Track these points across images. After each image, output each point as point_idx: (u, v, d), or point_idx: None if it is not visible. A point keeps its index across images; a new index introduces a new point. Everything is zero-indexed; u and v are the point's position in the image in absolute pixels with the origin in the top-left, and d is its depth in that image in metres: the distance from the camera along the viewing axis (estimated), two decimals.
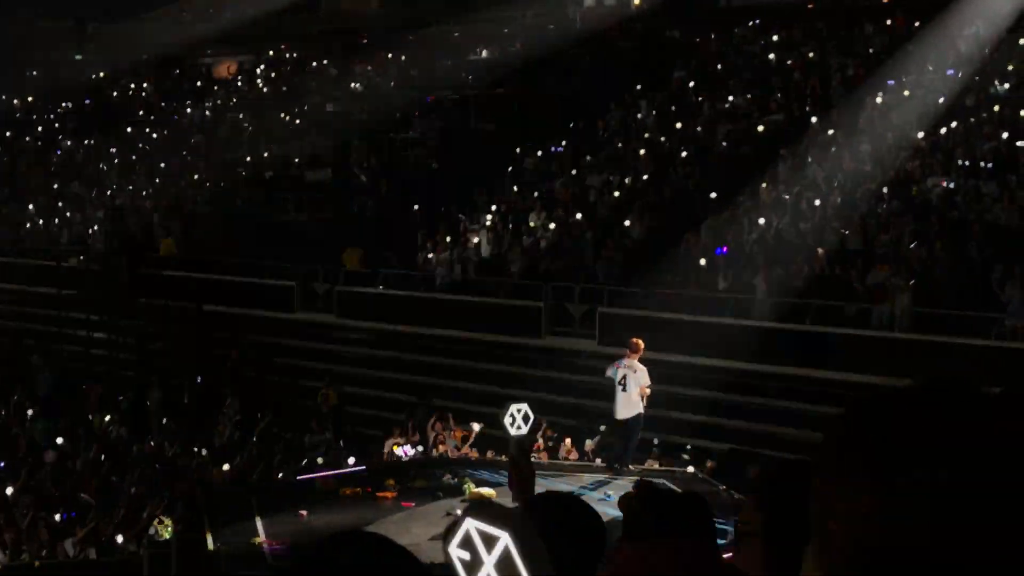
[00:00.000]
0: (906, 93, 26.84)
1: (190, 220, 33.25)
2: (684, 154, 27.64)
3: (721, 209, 24.07)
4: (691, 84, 32.07)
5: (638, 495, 3.28)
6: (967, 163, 22.97)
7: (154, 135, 44.00)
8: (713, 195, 24.94)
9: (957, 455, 1.18)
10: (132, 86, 52.67)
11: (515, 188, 29.09)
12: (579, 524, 3.14)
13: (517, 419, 14.85)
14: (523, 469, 14.33)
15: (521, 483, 14.02)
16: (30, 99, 52.80)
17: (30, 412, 24.06)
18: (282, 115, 41.55)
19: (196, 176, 37.38)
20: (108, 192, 38.35)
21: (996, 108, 24.59)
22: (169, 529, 15.73)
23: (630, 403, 16.47)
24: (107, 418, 22.98)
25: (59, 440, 21.33)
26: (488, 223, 27.08)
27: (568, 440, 19.27)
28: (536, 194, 28.18)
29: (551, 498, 3.49)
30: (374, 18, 47.59)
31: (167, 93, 49.94)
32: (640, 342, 16.50)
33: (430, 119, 35.74)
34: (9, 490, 18.05)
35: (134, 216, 34.88)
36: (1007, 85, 25.94)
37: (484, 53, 39.69)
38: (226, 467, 18.84)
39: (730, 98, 29.96)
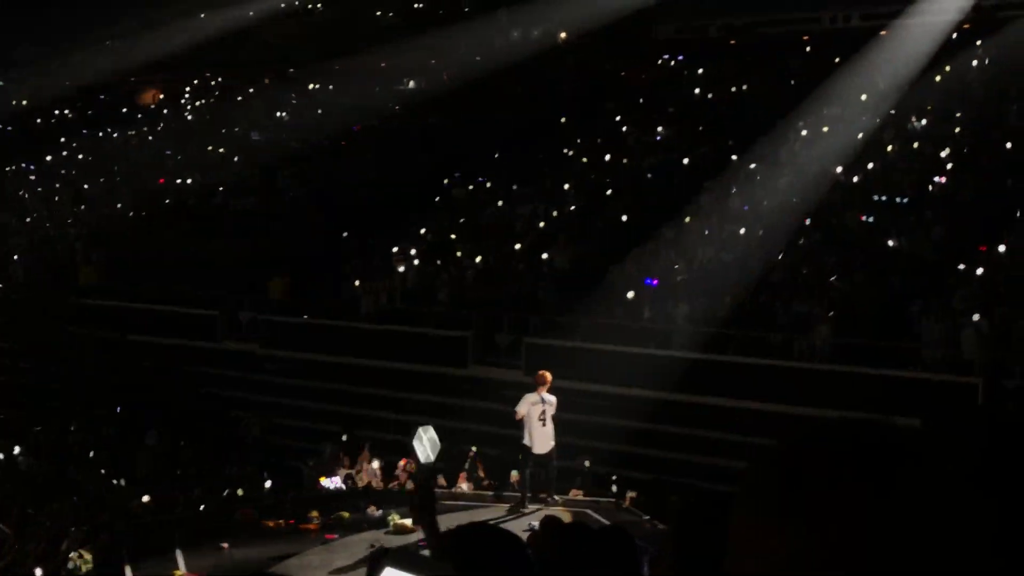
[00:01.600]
0: (825, 128, 27.30)
1: (113, 248, 32.81)
2: (611, 186, 27.83)
3: (648, 240, 24.25)
4: (618, 117, 32.36)
5: (544, 531, 3.28)
6: (885, 197, 23.40)
7: (77, 162, 43.45)
8: (638, 226, 25.13)
9: (870, 494, 1.20)
10: (56, 113, 52.01)
11: (443, 218, 29.09)
12: (505, 556, 3.14)
13: (424, 441, 14.64)
14: (424, 495, 14.18)
15: (422, 509, 13.89)
16: None
17: None
18: (207, 144, 41.24)
19: (119, 204, 36.94)
20: (29, 220, 37.74)
21: (915, 144, 25.08)
22: (88, 562, 15.45)
23: (548, 436, 16.46)
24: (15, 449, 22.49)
25: None
26: (415, 253, 27.04)
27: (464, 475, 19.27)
28: (462, 224, 28.21)
29: (476, 529, 3.48)
30: (301, 47, 47.44)
31: (91, 120, 49.37)
32: (548, 374, 16.46)
33: (357, 148, 35.65)
34: None
35: (56, 244, 34.36)
36: (924, 121, 26.50)
37: (411, 83, 39.72)
38: (146, 498, 18.55)
39: (659, 129, 30.28)
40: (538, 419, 16.31)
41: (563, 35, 37.58)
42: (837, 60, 30.73)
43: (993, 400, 16.37)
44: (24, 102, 55.13)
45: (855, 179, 24.39)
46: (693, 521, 2.87)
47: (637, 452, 20.42)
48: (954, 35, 30.42)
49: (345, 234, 29.23)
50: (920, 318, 18.66)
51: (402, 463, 19.91)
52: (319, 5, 49.53)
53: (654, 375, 20.71)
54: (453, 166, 31.73)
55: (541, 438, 16.36)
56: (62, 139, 46.74)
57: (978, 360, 17.65)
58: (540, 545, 3.25)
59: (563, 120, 33.39)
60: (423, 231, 28.50)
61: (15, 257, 33.74)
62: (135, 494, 19.15)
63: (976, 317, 17.90)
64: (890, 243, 21.50)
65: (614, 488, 18.85)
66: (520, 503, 16.72)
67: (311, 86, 45.07)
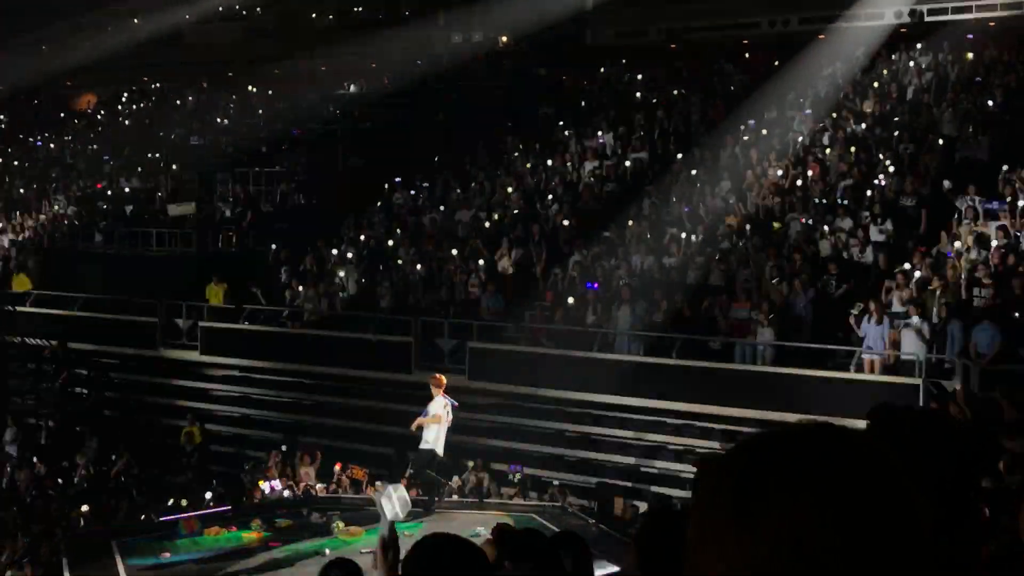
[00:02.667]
0: (764, 132, 27.56)
1: (48, 255, 32.34)
2: (552, 190, 27.89)
3: (589, 245, 24.35)
4: (560, 122, 32.44)
5: (498, 539, 3.28)
6: (824, 201, 23.65)
7: (10, 168, 42.81)
8: (579, 231, 25.23)
9: (815, 495, 1.22)
10: None
11: (383, 223, 29.00)
12: (469, 567, 3.14)
13: (393, 499, 14.42)
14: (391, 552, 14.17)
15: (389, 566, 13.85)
16: None
17: None
18: (145, 149, 40.82)
19: (54, 210, 36.46)
20: None
21: (852, 149, 25.38)
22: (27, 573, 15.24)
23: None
24: None
25: None
26: (354, 257, 26.94)
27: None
28: (402, 229, 28.15)
29: (438, 544, 3.45)
30: (239, 51, 47.10)
31: (25, 126, 48.69)
32: (442, 376, 16.65)
33: (296, 153, 35.47)
34: None
35: None
36: (863, 125, 26.83)
37: (352, 87, 39.58)
38: (85, 508, 18.30)
39: (599, 133, 30.39)
40: (446, 421, 16.36)
41: (504, 39, 37.62)
42: (776, 63, 31.03)
43: (936, 400, 16.60)
44: None
45: (798, 182, 24.63)
46: (657, 529, 2.88)
47: (580, 456, 20.49)
48: (890, 40, 30.85)
49: (274, 246, 28.94)
50: (859, 320, 18.88)
51: (337, 467, 19.84)
52: (257, 9, 49.19)
53: (597, 379, 20.81)
54: (393, 170, 31.64)
55: (444, 440, 16.39)
56: None
57: (918, 361, 17.91)
58: (497, 553, 3.25)
59: (502, 124, 33.41)
60: (363, 236, 28.38)
61: None
62: (73, 503, 18.89)
63: (915, 319, 18.15)
64: (829, 246, 21.73)
65: (567, 496, 18.92)
66: (429, 507, 16.57)
67: (249, 89, 44.74)
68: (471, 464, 20.10)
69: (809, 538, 1.20)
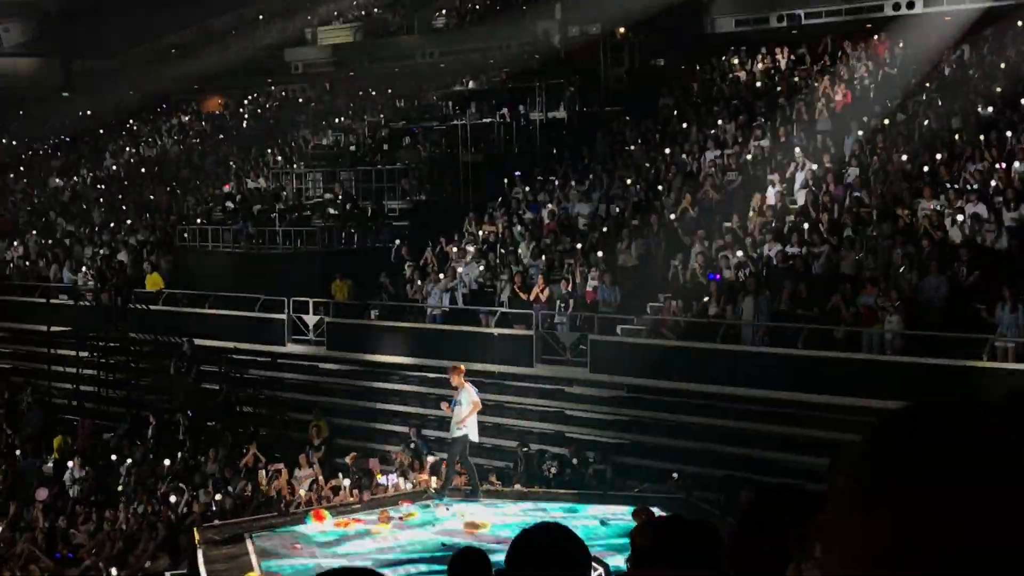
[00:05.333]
0: (886, 122, 26.95)
1: (179, 254, 33.18)
2: (672, 181, 27.64)
3: (711, 235, 24.13)
4: (679, 112, 32.17)
5: (648, 523, 3.26)
6: (954, 186, 23.04)
7: (142, 171, 44.04)
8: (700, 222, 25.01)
9: (942, 483, 1.18)
10: (119, 123, 52.75)
11: (503, 217, 29.11)
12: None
13: None
14: None
15: None
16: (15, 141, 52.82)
17: (18, 452, 23.99)
18: (270, 149, 41.66)
19: (184, 210, 37.39)
20: (96, 228, 38.28)
21: (981, 133, 24.63)
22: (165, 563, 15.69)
23: None
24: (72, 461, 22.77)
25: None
26: (474, 252, 27.10)
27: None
28: (522, 223, 28.20)
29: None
30: (359, 50, 47.73)
31: (154, 129, 50.03)
32: (462, 366, 17.61)
33: (417, 150, 35.80)
34: None
35: (122, 251, 34.80)
36: (991, 109, 26.04)
37: (470, 83, 39.79)
38: (216, 499, 18.73)
39: (719, 122, 30.06)
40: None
41: (622, 30, 37.37)
42: (901, 46, 30.31)
43: None
44: (88, 112, 55.99)
45: (925, 168, 24.01)
46: (761, 509, 2.85)
47: (705, 447, 20.29)
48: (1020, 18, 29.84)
49: (398, 241, 29.26)
50: (992, 308, 18.37)
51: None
52: (376, 9, 49.76)
53: (720, 370, 20.63)
54: (512, 165, 31.73)
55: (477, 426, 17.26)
56: (127, 148, 47.38)
57: None
58: (642, 538, 3.23)
59: (621, 116, 33.25)
60: (483, 231, 28.53)
61: (82, 266, 34.18)
62: (205, 497, 19.34)
63: None
64: (959, 232, 21.15)
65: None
66: (476, 491, 17.39)
67: (370, 89, 45.32)
68: (591, 456, 20.14)
69: (934, 529, 1.16)
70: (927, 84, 28.34)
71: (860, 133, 26.54)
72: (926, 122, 26.23)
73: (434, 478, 18.47)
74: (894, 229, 21.89)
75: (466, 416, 16.95)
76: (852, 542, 1.20)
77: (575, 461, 20.15)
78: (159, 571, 15.83)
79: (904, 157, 24.74)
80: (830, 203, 23.88)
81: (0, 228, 40.61)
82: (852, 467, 1.24)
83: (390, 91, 43.48)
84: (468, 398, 16.99)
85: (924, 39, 29.63)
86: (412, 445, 20.92)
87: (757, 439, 19.92)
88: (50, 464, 23.03)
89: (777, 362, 20.21)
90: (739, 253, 22.77)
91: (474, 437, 17.18)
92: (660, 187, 27.64)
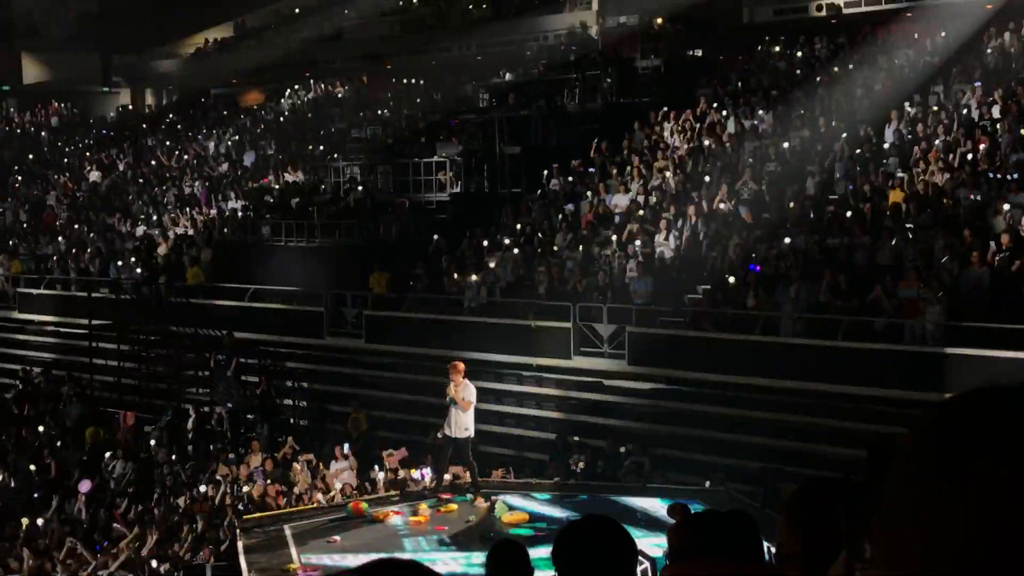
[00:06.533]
0: (935, 108, 26.69)
1: (218, 248, 33.38)
2: (711, 173, 27.50)
3: (749, 227, 24.02)
4: (716, 103, 31.99)
5: (685, 521, 3.23)
6: (996, 175, 22.78)
7: (181, 165, 44.33)
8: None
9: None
10: (159, 117, 53.17)
11: (540, 209, 29.08)
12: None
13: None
14: None
15: None
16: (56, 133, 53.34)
17: (59, 443, 24.24)
18: (308, 143, 41.84)
19: (224, 204, 37.60)
20: (137, 222, 38.57)
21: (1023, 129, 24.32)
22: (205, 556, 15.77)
23: None
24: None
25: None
26: (511, 244, 27.08)
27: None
28: (559, 214, 28.17)
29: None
30: (396, 44, 47.84)
31: (193, 123, 50.35)
32: (461, 364, 17.30)
33: (454, 142, 35.80)
34: (40, 520, 18.13)
35: (163, 245, 35.07)
36: None
37: (507, 75, 39.77)
38: (257, 490, 18.83)
39: (758, 112, 29.87)
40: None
41: (659, 20, 37.23)
42: (943, 34, 29.99)
43: None
44: (129, 106, 56.48)
45: (968, 157, 23.75)
46: (814, 506, 2.82)
47: (743, 440, 20.20)
48: None
49: (436, 236, 29.26)
50: None
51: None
52: (414, 1, 49.85)
53: (760, 362, 20.52)
54: (549, 157, 31.67)
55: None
56: (167, 142, 47.71)
57: None
58: (681, 534, 3.20)
59: (658, 107, 33.11)
60: (520, 224, 28.49)
61: (123, 259, 34.44)
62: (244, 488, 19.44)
63: None
64: (1003, 221, 20.90)
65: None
66: (478, 486, 17.25)
67: (407, 81, 45.42)
68: (626, 448, 20.10)
69: (1016, 514, 1.10)
70: (968, 72, 28.02)
71: (900, 122, 26.30)
72: (965, 111, 25.96)
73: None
74: (935, 219, 21.68)
75: (467, 416, 16.97)
76: (923, 531, 1.15)
77: (614, 453, 20.13)
78: (199, 563, 15.91)
79: (945, 146, 24.49)
80: (870, 193, 23.69)
81: (44, 223, 41.04)
82: (921, 454, 1.18)
83: (427, 84, 43.54)
84: (469, 396, 16.98)
85: (965, 26, 29.32)
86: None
87: (797, 431, 19.80)
88: (84, 457, 23.22)
89: (816, 354, 20.08)
90: (784, 242, 22.63)
91: (472, 433, 17.23)
92: (698, 178, 27.49)
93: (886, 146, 25.75)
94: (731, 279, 22.09)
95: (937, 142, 24.81)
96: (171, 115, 52.94)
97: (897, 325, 19.63)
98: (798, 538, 2.78)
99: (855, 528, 2.31)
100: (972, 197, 21.97)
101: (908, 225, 21.91)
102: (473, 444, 17.37)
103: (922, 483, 1.16)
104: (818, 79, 30.99)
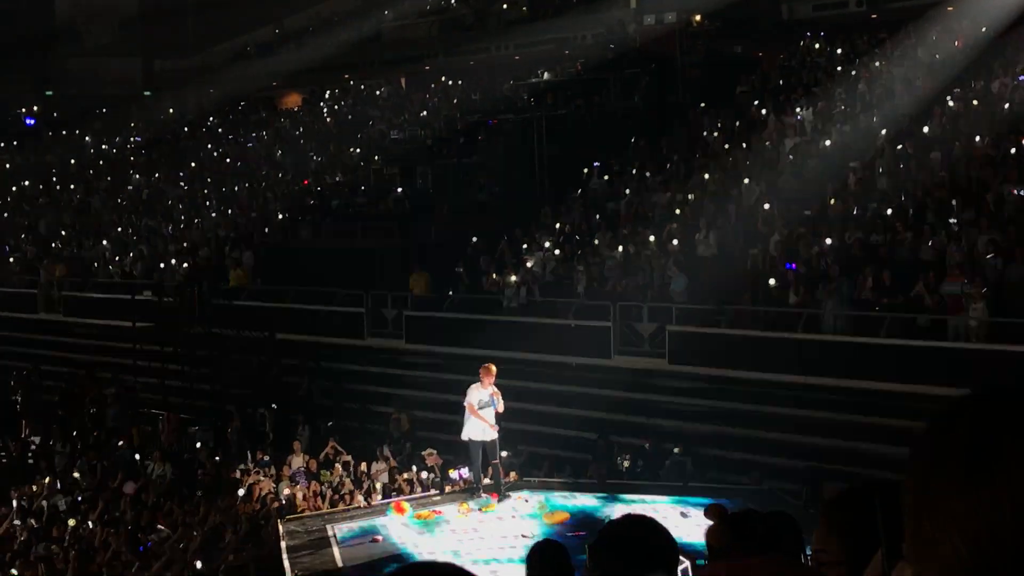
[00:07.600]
0: (975, 102, 26.44)
1: (260, 250, 33.58)
2: (750, 171, 27.36)
3: (789, 224, 23.86)
4: (756, 101, 31.82)
5: (724, 522, 3.22)
6: None
7: (222, 168, 44.65)
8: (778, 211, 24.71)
9: None
10: (199, 120, 53.54)
11: (580, 208, 29.05)
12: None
13: None
14: None
15: None
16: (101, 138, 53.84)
17: (103, 445, 24.44)
18: (347, 144, 42.02)
19: (265, 206, 37.82)
20: (179, 225, 38.88)
21: None
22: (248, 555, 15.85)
23: None
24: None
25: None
26: (551, 244, 27.06)
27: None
28: (599, 214, 28.13)
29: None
30: (434, 44, 47.96)
31: (234, 126, 50.69)
32: (492, 367, 17.13)
33: (493, 142, 35.85)
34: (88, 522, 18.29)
35: (204, 248, 35.31)
36: None
37: (546, 75, 39.77)
38: (299, 493, 18.92)
39: (798, 109, 29.70)
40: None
41: (698, 18, 37.13)
42: (983, 29, 29.70)
43: None
44: (170, 110, 56.92)
45: (1012, 151, 23.50)
46: (853, 510, 2.79)
47: (787, 439, 20.08)
48: None
49: (475, 238, 29.23)
50: None
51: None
52: (452, 2, 49.94)
53: (801, 359, 20.39)
54: (589, 156, 31.63)
55: None
56: (208, 145, 48.06)
57: None
58: (717, 538, 3.19)
59: (698, 105, 33.02)
60: (559, 223, 28.48)
61: (166, 262, 34.71)
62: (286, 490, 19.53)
63: None
64: None
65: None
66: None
67: (446, 82, 45.51)
68: (678, 449, 20.04)
69: None
70: (1010, 65, 27.73)
71: (942, 117, 26.07)
72: (1007, 105, 25.69)
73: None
74: (979, 214, 21.46)
75: (492, 419, 16.95)
76: (956, 517, 1.15)
77: (657, 452, 20.08)
78: (243, 564, 16.01)
79: (988, 141, 24.26)
80: (912, 189, 23.48)
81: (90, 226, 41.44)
82: (958, 436, 1.19)
83: (466, 84, 43.61)
84: (496, 401, 16.94)
85: (1006, 19, 29.02)
86: None
87: (840, 429, 19.64)
88: (127, 457, 23.42)
89: (859, 351, 19.93)
90: (824, 241, 22.48)
91: (479, 437, 17.11)
92: (738, 176, 27.37)
93: (927, 141, 25.52)
94: (772, 281, 21.94)
95: (979, 137, 24.56)
96: (211, 118, 53.31)
97: (940, 322, 19.45)
98: (839, 546, 2.76)
99: (892, 527, 2.30)
100: (1016, 192, 21.73)
101: (951, 220, 21.69)
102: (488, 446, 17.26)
103: (954, 478, 1.16)
104: (857, 74, 30.78)
